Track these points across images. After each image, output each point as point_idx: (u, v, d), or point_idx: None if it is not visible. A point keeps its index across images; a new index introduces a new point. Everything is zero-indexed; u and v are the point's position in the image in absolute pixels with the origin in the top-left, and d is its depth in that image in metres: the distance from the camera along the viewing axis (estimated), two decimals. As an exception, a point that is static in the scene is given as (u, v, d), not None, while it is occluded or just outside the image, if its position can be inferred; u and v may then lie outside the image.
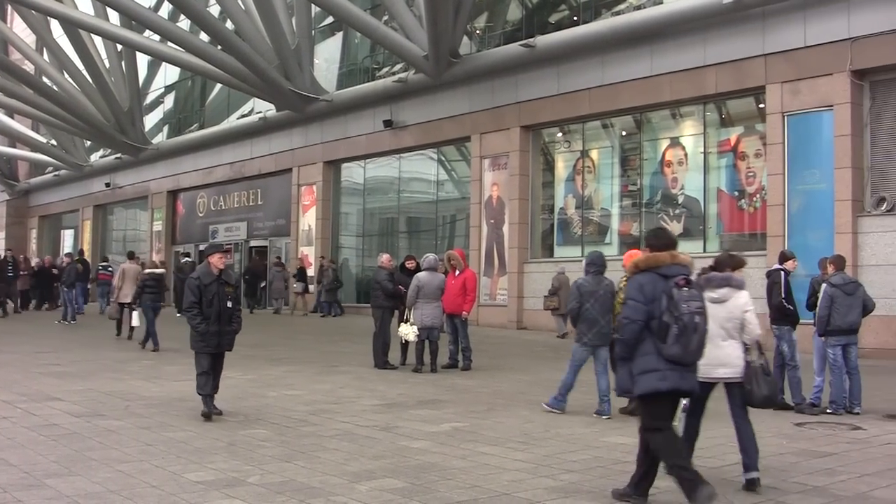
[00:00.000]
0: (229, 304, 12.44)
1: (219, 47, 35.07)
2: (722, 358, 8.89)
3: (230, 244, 41.93)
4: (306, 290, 37.45)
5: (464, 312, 18.66)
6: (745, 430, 9.09)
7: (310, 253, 38.94)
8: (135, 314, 23.67)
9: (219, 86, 43.63)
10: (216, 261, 12.50)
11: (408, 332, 18.12)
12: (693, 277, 8.25)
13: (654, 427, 8.10)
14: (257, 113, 41.38)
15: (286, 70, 35.41)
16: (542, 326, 28.94)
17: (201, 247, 45.13)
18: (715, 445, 10.79)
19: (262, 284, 40.77)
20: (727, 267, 9.48)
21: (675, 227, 26.82)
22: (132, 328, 24.04)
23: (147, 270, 24.19)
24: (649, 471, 8.24)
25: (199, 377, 12.42)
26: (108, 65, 44.73)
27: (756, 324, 9.17)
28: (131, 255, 28.53)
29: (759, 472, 8.88)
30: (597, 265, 13.55)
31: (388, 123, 34.81)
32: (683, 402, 8.90)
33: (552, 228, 30.64)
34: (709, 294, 8.80)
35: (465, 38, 32.21)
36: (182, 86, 49.54)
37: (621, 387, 8.41)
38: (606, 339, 13.07)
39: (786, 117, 23.71)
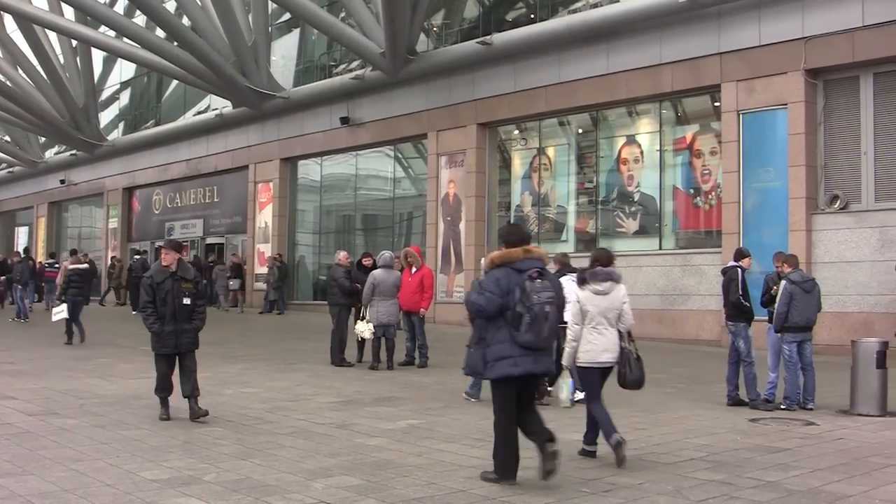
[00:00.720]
0: (186, 301, 11.98)
1: (175, 43, 34.88)
2: (606, 344, 9.99)
3: (186, 242, 41.69)
4: (242, 288, 37.40)
5: (421, 310, 18.66)
6: (600, 410, 10.07)
7: (266, 250, 38.79)
8: (56, 308, 23.44)
9: (175, 82, 43.43)
10: (163, 257, 12.10)
11: (364, 329, 18.09)
12: (546, 270, 9.01)
13: (500, 408, 8.93)
14: (214, 110, 41.19)
15: (243, 67, 35.25)
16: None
17: (157, 244, 44.95)
18: (671, 441, 10.85)
19: (204, 282, 40.49)
20: (608, 262, 10.31)
21: (631, 225, 26.98)
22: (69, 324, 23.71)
23: (71, 266, 24.08)
24: (509, 448, 8.89)
25: (157, 379, 12.19)
26: (62, 60, 44.41)
27: (631, 314, 10.23)
28: (73, 253, 28.46)
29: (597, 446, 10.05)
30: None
31: (344, 120, 34.73)
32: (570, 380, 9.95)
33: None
34: (594, 287, 9.98)
35: (422, 36, 32.17)
36: (138, 82, 49.24)
37: (471, 367, 9.30)
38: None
39: (741, 115, 23.89)
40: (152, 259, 40.44)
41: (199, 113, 43.49)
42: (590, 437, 10.22)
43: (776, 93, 23.16)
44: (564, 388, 10.64)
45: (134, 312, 33.91)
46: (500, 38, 28.82)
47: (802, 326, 13.85)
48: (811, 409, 13.63)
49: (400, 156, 35.12)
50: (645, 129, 27.28)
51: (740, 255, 14.54)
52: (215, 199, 43.18)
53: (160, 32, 36.00)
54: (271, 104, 36.97)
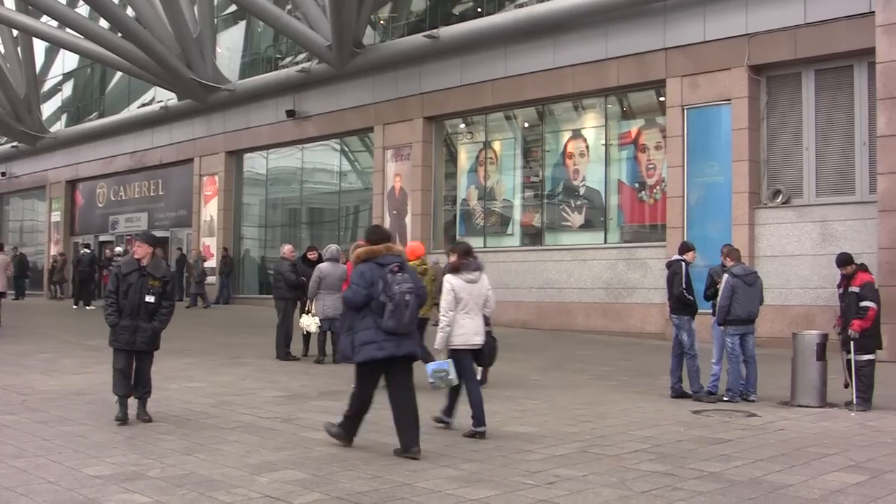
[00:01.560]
0: (149, 300, 11.26)
1: (119, 34, 34.55)
2: (476, 328, 10.97)
3: (130, 236, 41.38)
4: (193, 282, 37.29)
5: None
6: (475, 389, 11.06)
7: (211, 244, 38.58)
8: None
9: (119, 74, 42.97)
10: (135, 249, 11.44)
11: (309, 323, 18.03)
12: (405, 264, 10.09)
13: (361, 386, 10.00)
14: (158, 102, 40.85)
15: (188, 58, 35.00)
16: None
17: (101, 238, 44.62)
18: (616, 433, 10.93)
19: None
20: (470, 254, 11.37)
21: (577, 219, 27.13)
22: None
23: None
24: (403, 424, 9.82)
25: (113, 375, 11.48)
26: (2, 50, 43.89)
27: (494, 300, 11.42)
28: (0, 247, 28.36)
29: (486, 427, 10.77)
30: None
31: (290, 113, 34.61)
32: (431, 366, 11.03)
33: (454, 219, 30.74)
34: (466, 276, 11.01)
35: (369, 29, 32.13)
36: (81, 73, 48.73)
37: (343, 354, 10.18)
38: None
39: (685, 110, 24.10)
40: (98, 253, 40.24)
41: (143, 105, 43.12)
42: (448, 411, 11.37)
43: (720, 88, 23.39)
44: (452, 369, 11.04)
45: (75, 307, 33.68)
46: (446, 31, 28.84)
47: (745, 319, 14.01)
48: (753, 401, 13.78)
49: (346, 149, 35.08)
50: (590, 124, 27.44)
51: (685, 248, 14.65)
52: (160, 193, 42.85)
53: (104, 23, 35.66)
54: (217, 97, 36.74)
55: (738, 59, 22.98)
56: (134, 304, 11.24)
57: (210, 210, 39.19)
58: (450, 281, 11.03)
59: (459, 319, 10.88)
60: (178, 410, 12.18)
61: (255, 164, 38.84)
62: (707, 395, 13.93)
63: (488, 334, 11.27)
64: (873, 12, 20.19)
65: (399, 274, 9.75)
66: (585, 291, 26.04)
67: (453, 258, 11.31)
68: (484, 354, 11.31)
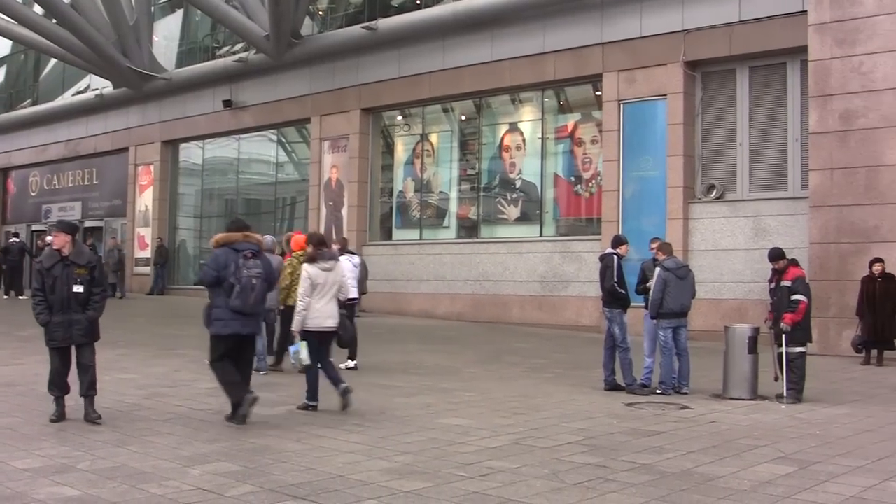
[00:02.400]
0: (78, 289, 10.72)
1: (54, 21, 34.13)
2: (330, 312, 11.89)
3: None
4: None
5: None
6: (330, 366, 12.03)
7: (146, 234, 38.26)
8: None
9: (53, 60, 42.46)
10: (53, 240, 10.91)
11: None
12: (260, 252, 11.24)
13: (214, 359, 10.98)
14: (93, 90, 40.40)
15: (124, 46, 34.68)
16: (377, 309, 28.99)
17: (34, 227, 44.07)
18: (549, 425, 10.98)
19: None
20: (324, 243, 12.53)
21: (513, 211, 27.21)
22: None
23: None
24: (231, 374, 10.92)
25: (49, 375, 10.92)
26: (-67, 36, 43.21)
27: (348, 286, 12.80)
28: None
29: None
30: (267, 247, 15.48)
31: (227, 103, 34.41)
32: (292, 348, 12.21)
33: (391, 211, 30.72)
34: (322, 265, 11.93)
35: (307, 20, 31.99)
36: (14, 59, 48.08)
37: (204, 323, 11.08)
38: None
39: (621, 105, 24.27)
40: (30, 242, 39.76)
41: (78, 93, 42.62)
42: (312, 395, 11.97)
43: (656, 83, 23.58)
44: (302, 349, 11.80)
45: (6, 297, 33.22)
46: (385, 23, 28.79)
47: (677, 312, 14.13)
48: (686, 394, 13.91)
49: (283, 140, 34.93)
50: (527, 117, 27.55)
51: (618, 242, 14.72)
52: (94, 182, 42.38)
53: (38, 9, 35.22)
54: (153, 85, 36.43)
55: (673, 55, 23.19)
56: (63, 297, 10.67)
57: (145, 200, 38.86)
58: (306, 269, 11.98)
59: (315, 304, 11.80)
60: (110, 402, 12.02)
61: (191, 153, 38.55)
62: (640, 388, 14.03)
63: (347, 318, 12.68)
64: (806, 11, 20.43)
65: (251, 260, 10.86)
66: (521, 284, 26.14)
67: (309, 248, 12.38)
68: (341, 337, 12.32)
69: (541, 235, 26.34)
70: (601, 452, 9.50)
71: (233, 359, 10.97)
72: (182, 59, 37.80)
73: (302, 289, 11.88)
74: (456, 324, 26.33)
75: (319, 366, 11.97)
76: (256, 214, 36.18)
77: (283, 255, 18.83)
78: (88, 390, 10.85)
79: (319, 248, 12.21)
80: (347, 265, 14.98)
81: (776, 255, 13.98)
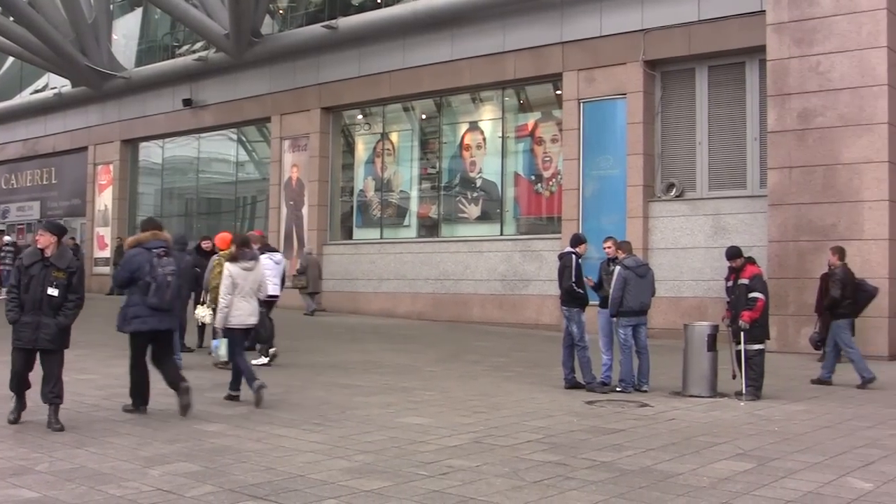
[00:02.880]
0: (53, 293, 10.33)
1: (11, 18, 33.83)
2: (251, 310, 12.44)
3: (22, 225, 40.62)
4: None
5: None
6: (244, 362, 12.49)
7: (106, 234, 38.03)
8: None
9: (11, 59, 42.14)
10: (38, 239, 10.53)
11: (205, 314, 17.72)
12: (171, 249, 11.87)
13: (133, 356, 11.48)
14: (52, 88, 40.10)
15: (82, 45, 34.43)
16: (338, 308, 28.97)
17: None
18: (509, 424, 11.00)
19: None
20: (248, 244, 13.05)
21: (473, 210, 27.24)
22: None
23: None
24: (139, 386, 11.56)
25: (10, 376, 10.57)
26: None
27: (267, 285, 13.27)
28: None
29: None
30: (181, 243, 16.66)
31: (187, 102, 34.24)
32: (214, 342, 13.16)
33: (352, 211, 30.67)
34: (243, 265, 12.42)
35: (268, 18, 31.91)
36: (-30, 58, 47.67)
37: (118, 325, 11.52)
38: (186, 303, 15.79)
39: (581, 104, 24.34)
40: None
41: (36, 91, 42.35)
42: (235, 385, 12.52)
43: (616, 82, 23.67)
44: (222, 346, 12.55)
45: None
46: (345, 22, 28.74)
47: (637, 311, 14.18)
48: (645, 391, 13.97)
49: (244, 139, 34.82)
50: (488, 116, 27.57)
51: (576, 241, 14.71)
52: (53, 181, 42.09)
53: (-5, 7, 34.94)
54: (112, 84, 36.20)
55: (633, 55, 23.28)
56: (36, 298, 10.30)
57: (104, 199, 38.61)
58: (228, 268, 12.48)
59: (236, 302, 12.31)
60: (69, 403, 11.85)
61: (150, 153, 38.34)
62: (600, 386, 14.07)
63: (265, 315, 13.81)
64: (764, 11, 20.55)
65: (164, 258, 11.33)
66: (481, 283, 26.17)
67: (232, 249, 13.02)
68: (260, 333, 13.53)
69: (501, 234, 26.38)
70: (561, 450, 9.51)
71: (154, 354, 11.57)
72: (141, 58, 37.60)
73: (224, 287, 12.40)
74: (417, 323, 26.32)
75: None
76: (217, 214, 36.07)
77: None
78: (52, 398, 10.41)
79: (241, 249, 12.74)
80: (268, 263, 15.84)
81: (733, 253, 14.06)
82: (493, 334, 23.58)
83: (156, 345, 11.54)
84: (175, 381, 11.37)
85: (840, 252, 16.00)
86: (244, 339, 12.82)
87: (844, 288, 15.42)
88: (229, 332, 12.45)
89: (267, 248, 17.09)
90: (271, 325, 15.39)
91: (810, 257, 19.21)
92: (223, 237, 16.64)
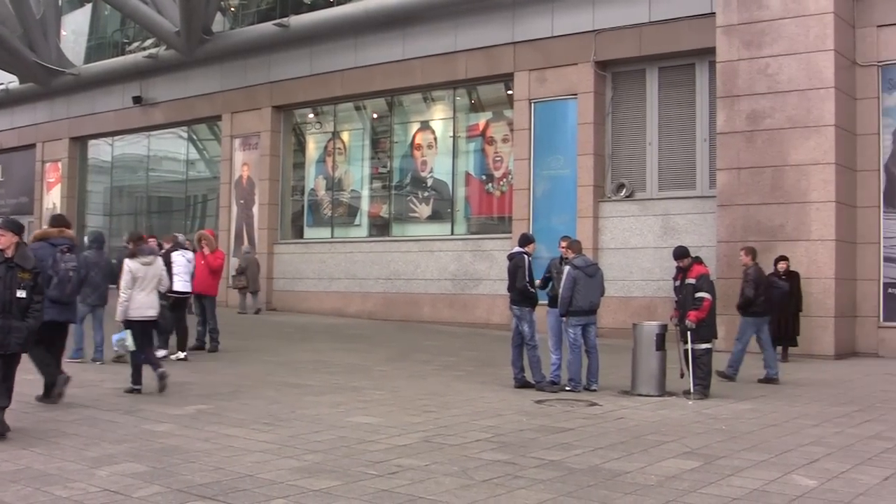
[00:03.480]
0: (21, 294, 9.85)
1: (-44, 14, 33.49)
2: (151, 303, 13.02)
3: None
4: None
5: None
6: (152, 354, 13.36)
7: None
8: None
9: (-44, 55, 41.61)
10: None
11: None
12: (74, 246, 12.56)
13: (32, 346, 10.53)
14: (-1, 84, 39.72)
15: (30, 40, 34.09)
16: (291, 308, 28.91)
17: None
18: (459, 423, 11.00)
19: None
20: (141, 239, 13.91)
21: (424, 210, 27.26)
22: None
23: None
24: (51, 374, 11.71)
25: None
26: None
27: (166, 279, 13.90)
28: None
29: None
30: (98, 242, 16.62)
31: (137, 100, 34.01)
32: (116, 336, 14.01)
33: (302, 210, 30.59)
34: (142, 259, 13.03)
35: (219, 15, 31.76)
36: (-85, 53, 47.00)
37: None
38: (104, 300, 16.06)
39: (533, 104, 24.44)
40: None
41: (-17, 88, 41.85)
42: (136, 379, 12.90)
43: (567, 83, 23.78)
44: (128, 337, 12.81)
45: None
46: (297, 20, 28.67)
47: (586, 310, 14.21)
48: (595, 391, 14.01)
49: (194, 137, 34.63)
50: (439, 116, 27.61)
51: (525, 240, 14.73)
52: (0, 179, 41.59)
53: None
54: (61, 81, 35.85)
55: (584, 55, 23.39)
56: (5, 301, 9.79)
57: (53, 197, 38.28)
58: (127, 264, 12.96)
59: (136, 296, 12.85)
60: (15, 403, 11.65)
61: (100, 150, 38.05)
62: (549, 385, 14.11)
63: (166, 308, 14.42)
64: (714, 13, 20.71)
65: (67, 254, 12.11)
66: (432, 283, 26.19)
67: (130, 245, 13.52)
68: (160, 325, 13.91)
69: (452, 234, 26.42)
70: (510, 449, 9.53)
71: (46, 344, 11.62)
72: (91, 55, 37.30)
73: (124, 282, 12.89)
74: (367, 322, 26.30)
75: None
76: (167, 212, 35.87)
77: (194, 252, 18.72)
78: (5, 402, 9.97)
79: (139, 245, 13.48)
80: (180, 260, 16.91)
81: (681, 253, 14.16)
82: (444, 334, 23.60)
83: (52, 335, 11.81)
84: (54, 374, 11.73)
85: (752, 252, 16.25)
86: (146, 332, 13.25)
87: (758, 287, 15.64)
88: (130, 325, 12.88)
89: (178, 246, 17.60)
90: (172, 319, 16.18)
91: (759, 258, 19.35)
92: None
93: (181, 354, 16.71)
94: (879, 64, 19.99)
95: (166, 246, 17.59)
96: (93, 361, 15.88)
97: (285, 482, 8.04)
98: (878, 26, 19.97)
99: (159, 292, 13.45)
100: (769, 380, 15.45)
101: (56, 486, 7.80)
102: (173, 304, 16.71)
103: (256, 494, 7.61)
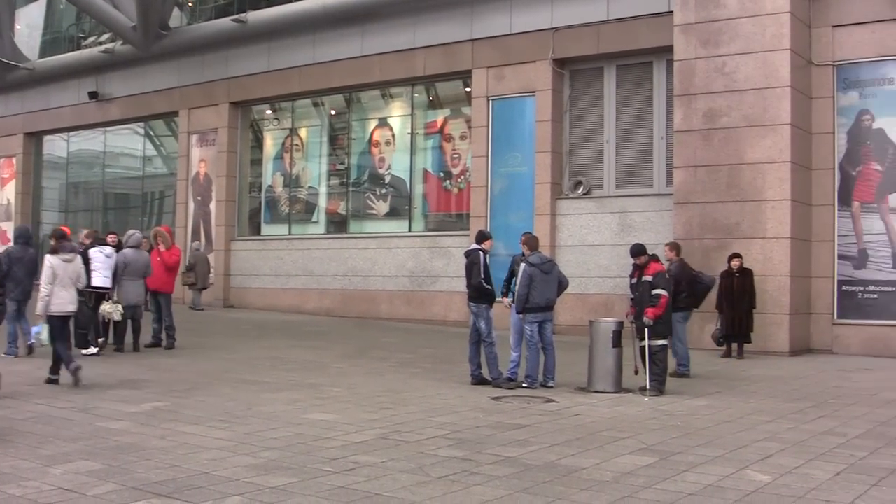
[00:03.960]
0: None
1: None
2: (70, 298, 13.37)
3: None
4: None
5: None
6: (63, 350, 13.22)
7: (8, 229, 37.31)
8: None
9: None
10: None
11: (113, 310, 17.43)
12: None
13: None
14: (-48, 78, 39.28)
15: (-17, 35, 33.82)
16: (248, 304, 28.81)
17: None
18: (415, 420, 11.00)
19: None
20: (66, 237, 14.04)
21: (382, 207, 27.27)
22: None
23: None
24: None
25: None
26: None
27: (83, 276, 14.02)
28: None
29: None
30: (24, 237, 17.10)
31: (93, 95, 33.78)
32: (34, 329, 14.04)
33: (260, 206, 30.49)
34: (63, 256, 13.31)
35: (176, 11, 31.58)
36: None
37: None
38: (27, 294, 16.45)
39: (491, 101, 24.48)
40: None
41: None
42: (54, 370, 13.26)
43: (525, 80, 23.84)
44: (44, 331, 13.25)
45: None
46: (254, 16, 28.57)
47: (543, 307, 14.22)
48: (551, 387, 14.04)
49: (151, 133, 34.41)
50: (397, 113, 27.60)
51: (482, 237, 14.71)
52: (-47, 175, 41.23)
53: None
54: (15, 75, 35.58)
55: (542, 53, 23.45)
56: None
57: (7, 193, 37.96)
58: (49, 260, 13.29)
59: (57, 291, 13.22)
60: (-34, 401, 11.72)
61: (55, 146, 37.76)
62: (506, 382, 14.12)
63: (84, 304, 14.94)
64: (672, 12, 20.79)
65: None
66: (390, 279, 26.18)
67: (52, 242, 13.76)
68: (79, 319, 14.41)
69: (410, 231, 26.42)
70: (467, 446, 9.54)
71: None
72: (46, 49, 36.99)
73: (45, 277, 13.22)
74: (325, 319, 26.26)
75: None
76: (124, 209, 35.64)
77: (150, 250, 18.62)
78: None
79: (61, 242, 13.66)
80: (98, 256, 16.85)
81: (637, 250, 14.22)
82: (401, 330, 23.60)
83: None
84: None
85: (676, 247, 16.40)
86: (65, 325, 13.56)
87: (679, 283, 15.71)
88: (50, 319, 13.27)
89: (98, 242, 17.51)
90: (90, 314, 16.44)
91: (715, 255, 19.48)
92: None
93: (93, 349, 16.68)
94: (835, 64, 20.14)
95: (87, 242, 17.56)
96: (5, 355, 16.14)
97: (241, 479, 8.01)
98: (834, 26, 20.13)
99: (78, 289, 13.81)
100: (680, 375, 15.58)
101: (9, 484, 7.73)
102: (96, 299, 16.77)
103: (212, 492, 7.58)
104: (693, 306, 16.27)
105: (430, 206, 26.63)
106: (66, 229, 16.13)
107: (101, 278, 16.77)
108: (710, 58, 20.06)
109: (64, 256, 13.42)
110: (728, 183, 19.71)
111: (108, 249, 17.35)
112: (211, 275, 29.22)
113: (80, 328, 16.03)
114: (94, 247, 17.11)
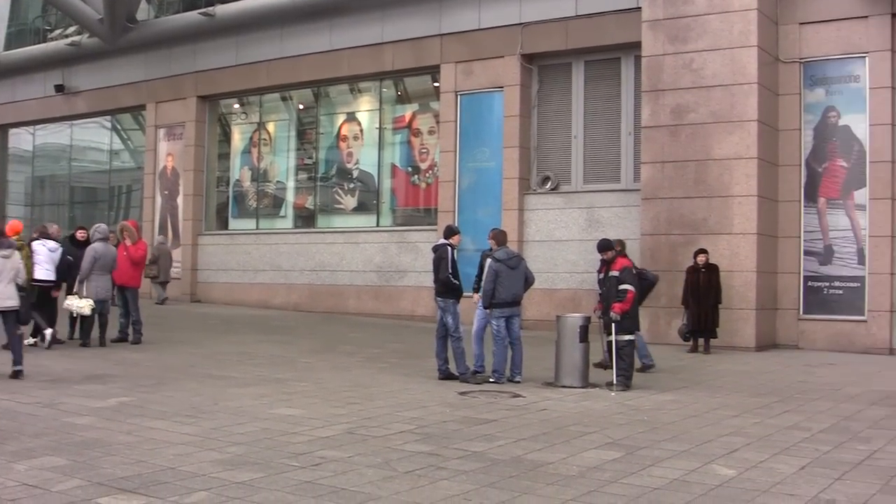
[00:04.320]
0: None
1: None
2: (9, 294, 13.46)
3: None
4: None
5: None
6: (15, 341, 13.59)
7: (-28, 222, 37.14)
8: None
9: None
10: None
11: (83, 305, 17.30)
12: None
13: None
14: (-85, 71, 38.94)
15: (-53, 27, 33.56)
16: (215, 299, 28.72)
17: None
18: (382, 415, 11.00)
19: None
20: (12, 233, 14.89)
21: (350, 201, 27.23)
22: None
23: None
24: None
25: None
26: None
27: (23, 271, 13.94)
28: None
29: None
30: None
31: (59, 88, 33.56)
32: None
33: (227, 201, 30.38)
34: (1, 252, 13.42)
35: (143, 3, 31.39)
36: None
37: None
38: None
39: (459, 96, 24.47)
40: None
41: None
42: (17, 360, 13.41)
43: (493, 75, 23.85)
44: None
45: None
46: (222, 9, 28.46)
47: (509, 302, 14.24)
48: (518, 382, 14.07)
49: (118, 127, 34.22)
50: (365, 107, 27.56)
51: (450, 232, 14.73)
52: (-83, 168, 40.91)
53: None
54: (-21, 68, 35.31)
55: (511, 48, 23.46)
56: None
57: (-30, 187, 37.67)
58: None
59: None
60: (-70, 394, 11.65)
61: (20, 139, 37.53)
62: (473, 376, 14.14)
63: (26, 299, 14.65)
64: (640, 8, 20.84)
65: None
66: (357, 274, 26.15)
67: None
68: (20, 314, 14.09)
69: (378, 225, 26.40)
70: (433, 441, 9.55)
71: None
72: (11, 41, 36.71)
73: None
74: (292, 314, 26.21)
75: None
76: (91, 203, 35.45)
77: (117, 244, 18.51)
78: None
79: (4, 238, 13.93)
80: (42, 250, 16.92)
81: (604, 245, 14.27)
82: (369, 325, 23.59)
83: None
84: None
85: (621, 244, 16.45)
86: (8, 321, 13.71)
87: None
88: None
89: (43, 236, 17.45)
90: (28, 309, 16.00)
91: (682, 250, 19.56)
92: (12, 225, 17.62)
93: (31, 340, 16.76)
94: (801, 61, 20.24)
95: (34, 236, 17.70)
96: None
97: (207, 474, 7.99)
98: (801, 24, 20.22)
99: (18, 285, 13.84)
100: (646, 367, 15.66)
101: (-28, 480, 7.68)
102: (40, 292, 16.82)
103: (178, 487, 7.56)
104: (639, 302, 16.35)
105: (399, 200, 26.61)
106: (16, 226, 16.71)
107: (43, 271, 16.84)
108: (677, 54, 20.12)
109: (2, 252, 13.57)
110: (695, 179, 19.78)
111: (52, 244, 17.32)
112: (175, 269, 29.11)
113: (22, 322, 15.66)
114: (36, 240, 17.25)
